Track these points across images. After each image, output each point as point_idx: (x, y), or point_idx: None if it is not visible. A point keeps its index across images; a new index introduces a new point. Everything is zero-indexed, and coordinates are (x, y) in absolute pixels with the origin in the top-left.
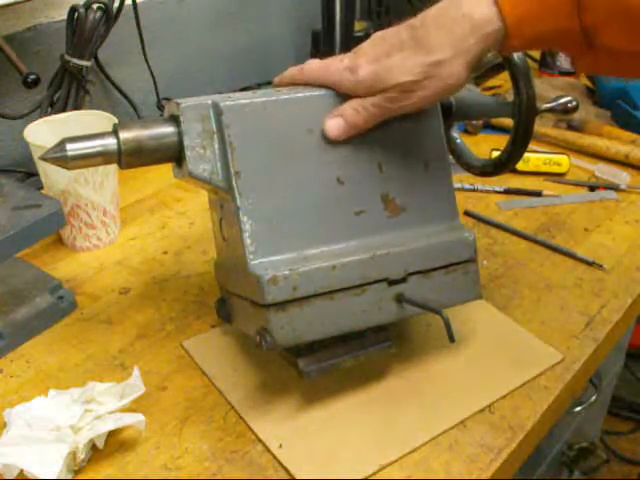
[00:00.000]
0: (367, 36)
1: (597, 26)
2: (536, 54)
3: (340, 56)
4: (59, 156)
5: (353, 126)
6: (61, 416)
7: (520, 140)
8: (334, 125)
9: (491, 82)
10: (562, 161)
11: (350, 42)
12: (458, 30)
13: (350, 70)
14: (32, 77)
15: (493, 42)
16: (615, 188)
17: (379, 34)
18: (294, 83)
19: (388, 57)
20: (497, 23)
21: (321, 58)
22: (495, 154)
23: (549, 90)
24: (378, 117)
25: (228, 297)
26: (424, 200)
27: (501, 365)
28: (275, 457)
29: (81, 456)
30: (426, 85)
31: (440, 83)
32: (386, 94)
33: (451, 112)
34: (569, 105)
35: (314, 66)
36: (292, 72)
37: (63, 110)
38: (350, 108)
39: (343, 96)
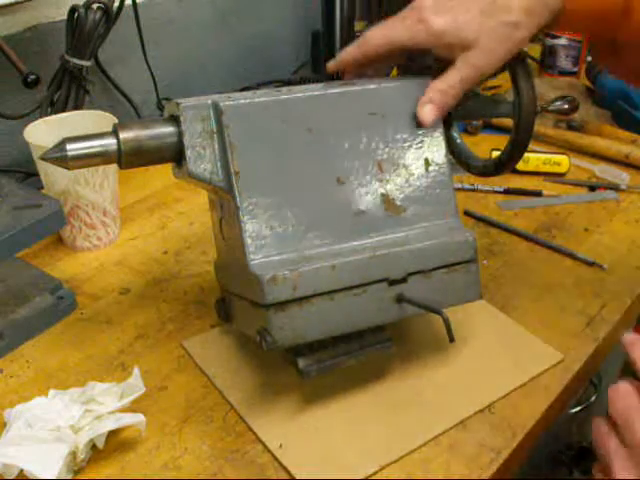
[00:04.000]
0: None
1: (629, 47)
2: (536, 54)
3: (395, 17)
4: (59, 156)
5: (444, 107)
6: (61, 416)
7: (520, 140)
8: (427, 112)
9: (491, 82)
10: (562, 161)
11: (350, 42)
12: None
13: (422, 22)
14: (32, 77)
15: (550, 16)
16: (615, 188)
17: None
18: (357, 60)
19: (465, 11)
20: (560, 4)
21: (321, 57)
22: (495, 154)
23: (549, 90)
24: (465, 89)
25: (228, 297)
26: (424, 200)
27: (501, 365)
28: (275, 457)
29: (81, 456)
30: (505, 46)
31: (512, 45)
32: (471, 59)
33: (451, 112)
34: (569, 105)
35: (377, 32)
36: (349, 50)
37: (63, 110)
38: (435, 92)
39: (344, 95)
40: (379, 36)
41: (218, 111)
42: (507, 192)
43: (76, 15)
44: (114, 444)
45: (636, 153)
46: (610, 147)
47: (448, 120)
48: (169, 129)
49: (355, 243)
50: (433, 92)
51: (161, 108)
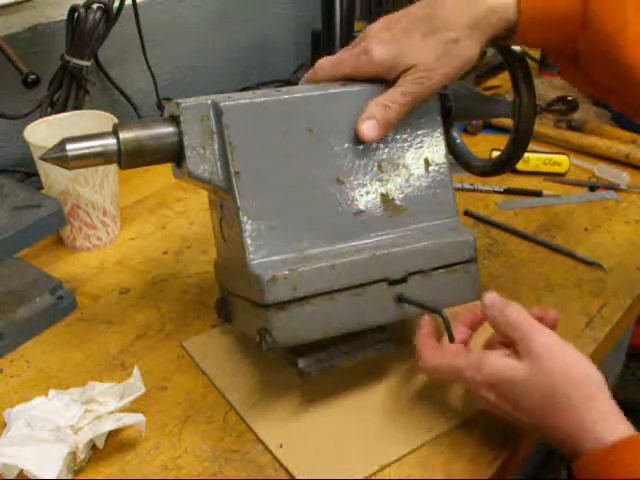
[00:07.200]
0: None
1: (588, 58)
2: (536, 54)
3: (348, 47)
4: (59, 156)
5: (386, 123)
6: (61, 416)
7: (520, 140)
8: (368, 128)
9: (491, 82)
10: (562, 161)
11: (350, 42)
12: (473, 11)
13: (365, 53)
14: (32, 77)
15: (504, 30)
16: (615, 188)
17: (389, 17)
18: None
19: (407, 36)
20: (512, 13)
21: (321, 57)
22: (495, 154)
23: (549, 90)
24: (408, 106)
25: (228, 297)
26: (424, 200)
27: None
28: (275, 457)
29: (81, 456)
30: (445, 62)
31: (457, 60)
32: (411, 77)
33: (451, 112)
34: (569, 105)
35: (326, 63)
36: (305, 78)
37: (63, 110)
38: (378, 106)
39: (344, 95)
40: (327, 70)
41: (218, 111)
42: (507, 192)
43: (76, 15)
44: (114, 444)
45: (636, 153)
46: (610, 147)
47: (448, 120)
48: (169, 129)
49: (355, 243)
50: (375, 107)
51: (161, 108)
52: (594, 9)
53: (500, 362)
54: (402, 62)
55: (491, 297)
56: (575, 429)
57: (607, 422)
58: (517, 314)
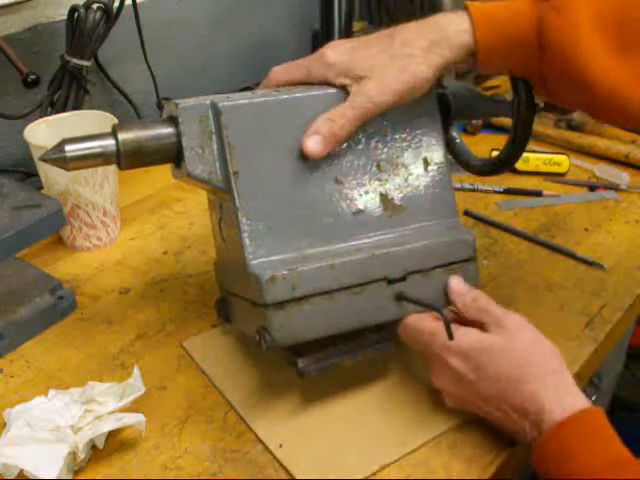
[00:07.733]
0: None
1: (552, 79)
2: None
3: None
4: (58, 157)
5: (332, 138)
6: (61, 416)
7: (519, 139)
8: (313, 144)
9: (491, 82)
10: (562, 161)
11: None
12: (431, 35)
13: (320, 55)
14: (32, 77)
15: (465, 55)
16: (615, 188)
17: (351, 39)
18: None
19: (364, 48)
20: (470, 41)
21: None
22: (495, 154)
23: None
24: (359, 121)
25: (228, 297)
26: (423, 200)
27: None
28: (275, 457)
29: (81, 456)
30: (399, 79)
31: (411, 78)
32: (362, 91)
33: (450, 112)
34: None
35: (280, 68)
36: (262, 85)
37: (63, 110)
38: (325, 121)
39: (343, 95)
40: (280, 75)
41: (217, 111)
42: (507, 192)
43: (76, 15)
44: (114, 444)
45: (636, 153)
46: (610, 147)
47: (447, 120)
48: (168, 130)
49: (354, 242)
50: (321, 121)
51: (161, 108)
52: (549, 28)
53: (473, 331)
54: (354, 70)
55: (458, 282)
56: (541, 399)
57: (572, 395)
58: (487, 302)
